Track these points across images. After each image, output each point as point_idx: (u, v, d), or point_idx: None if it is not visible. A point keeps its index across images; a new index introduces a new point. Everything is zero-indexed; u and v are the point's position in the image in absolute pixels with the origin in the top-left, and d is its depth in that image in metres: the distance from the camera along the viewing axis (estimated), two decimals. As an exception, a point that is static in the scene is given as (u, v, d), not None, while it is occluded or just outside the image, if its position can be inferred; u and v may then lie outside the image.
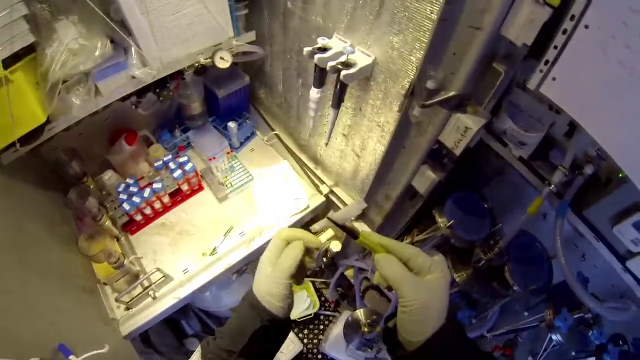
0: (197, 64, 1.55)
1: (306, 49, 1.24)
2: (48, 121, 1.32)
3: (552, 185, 1.07)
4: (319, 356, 2.65)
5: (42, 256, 1.38)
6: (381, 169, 1.46)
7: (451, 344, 0.76)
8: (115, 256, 1.51)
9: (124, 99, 1.50)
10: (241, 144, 2.14)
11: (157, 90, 1.63)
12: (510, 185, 1.41)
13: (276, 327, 0.88)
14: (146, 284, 1.63)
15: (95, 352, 1.13)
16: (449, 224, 1.44)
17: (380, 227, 1.76)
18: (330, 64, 1.18)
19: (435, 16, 0.93)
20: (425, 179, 1.35)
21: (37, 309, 1.18)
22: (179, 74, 1.60)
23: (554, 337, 1.27)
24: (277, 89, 1.92)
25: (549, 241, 1.25)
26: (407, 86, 1.13)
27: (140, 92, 1.54)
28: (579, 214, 1.13)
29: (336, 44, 1.26)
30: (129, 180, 1.77)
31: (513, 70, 0.98)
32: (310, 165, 1.96)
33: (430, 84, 1.04)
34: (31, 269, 1.26)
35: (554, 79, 0.81)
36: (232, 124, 1.98)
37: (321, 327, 2.77)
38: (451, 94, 1.05)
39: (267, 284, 0.87)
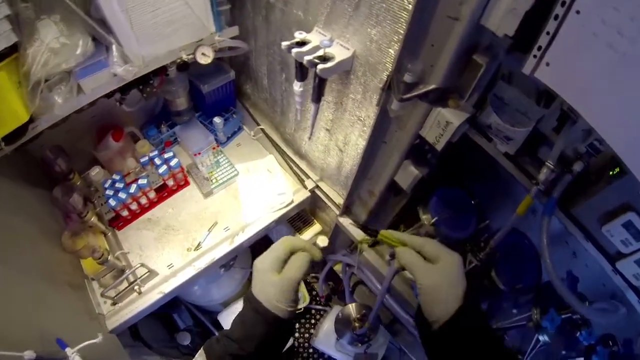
0: (179, 60, 1.55)
1: (284, 44, 1.24)
2: (32, 120, 1.32)
3: (540, 184, 1.04)
4: (310, 350, 2.67)
5: (28, 253, 1.40)
6: (363, 164, 1.45)
7: (472, 329, 0.82)
8: (100, 252, 1.52)
9: (108, 96, 1.50)
10: (228, 139, 2.14)
11: (141, 87, 1.63)
12: (499, 181, 1.40)
13: (281, 327, 0.92)
14: (132, 279, 1.64)
15: (89, 342, 1.14)
16: (432, 220, 1.45)
17: (365, 223, 1.77)
18: (307, 58, 1.18)
19: (411, 7, 0.91)
20: (408, 175, 1.34)
21: (23, 305, 1.20)
22: (162, 71, 1.60)
23: (540, 337, 1.24)
24: (262, 83, 1.92)
25: (538, 238, 1.23)
26: (385, 79, 1.11)
27: (124, 89, 1.53)
28: (567, 212, 1.11)
29: (315, 37, 1.25)
30: (115, 177, 1.79)
31: (495, 62, 0.94)
32: (295, 159, 1.97)
33: (407, 77, 1.01)
34: (17, 266, 1.28)
35: (547, 64, 0.78)
36: (217, 119, 1.99)
37: (312, 321, 2.80)
38: (430, 87, 1.02)
39: (276, 291, 0.90)
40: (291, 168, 2.00)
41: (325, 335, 2.37)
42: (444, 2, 0.88)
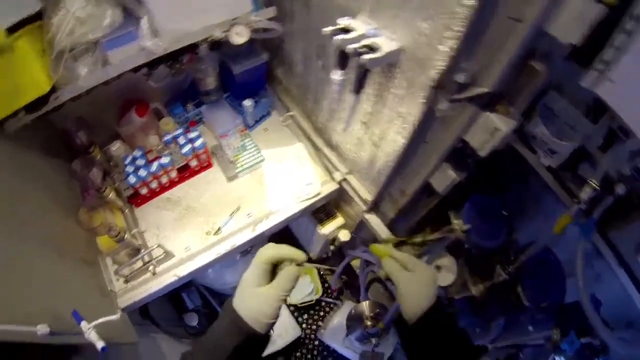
0: (211, 38, 1.47)
1: (326, 29, 1.17)
2: (54, 90, 1.27)
3: (582, 203, 0.99)
4: (316, 342, 2.62)
5: (44, 225, 1.36)
6: (399, 162, 1.38)
7: (440, 325, 1.01)
8: (116, 230, 1.49)
9: (135, 70, 1.44)
10: (255, 122, 2.07)
11: (170, 63, 1.57)
12: (533, 193, 1.33)
13: (256, 342, 0.94)
14: (147, 259, 1.60)
15: (107, 318, 1.14)
16: (465, 227, 1.40)
17: (392, 221, 1.71)
18: (352, 46, 1.09)
19: (473, 2, 0.83)
20: (445, 178, 1.28)
21: (36, 278, 1.16)
22: (193, 48, 1.53)
23: (557, 358, 1.22)
24: (295, 69, 1.84)
25: (565, 254, 1.20)
26: (435, 77, 1.03)
27: (152, 64, 1.47)
28: (602, 234, 1.06)
29: (359, 26, 1.16)
30: (137, 153, 1.73)
31: (553, 70, 0.89)
32: (326, 150, 1.88)
33: (460, 78, 0.95)
34: (33, 238, 1.24)
35: (611, 81, 0.73)
36: (247, 102, 1.91)
37: (321, 313, 2.74)
38: (483, 90, 0.96)
39: (259, 304, 0.92)
40: (320, 158, 1.93)
41: (334, 330, 2.35)
42: (506, 1, 0.81)
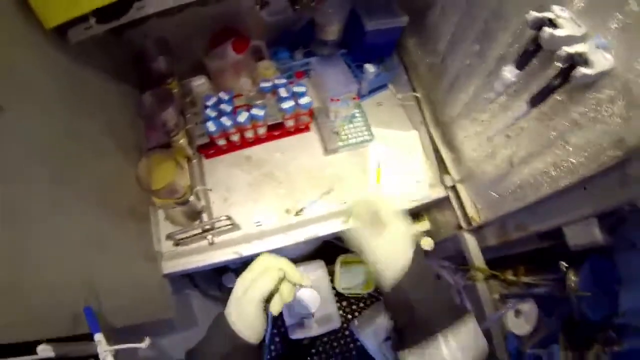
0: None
1: (533, 15, 0.89)
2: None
3: None
4: (346, 332, 2.62)
5: (93, 166, 1.10)
6: (540, 197, 1.12)
7: (418, 284, 0.92)
8: (181, 192, 1.24)
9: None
10: (370, 92, 1.75)
11: (298, -4, 1.28)
12: None
13: (248, 352, 0.88)
14: (208, 227, 1.36)
15: (130, 345, 0.93)
16: (581, 293, 1.21)
17: (487, 248, 1.49)
18: (567, 49, 0.82)
19: None
20: (586, 235, 1.06)
21: (67, 234, 0.92)
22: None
23: None
24: (436, 45, 1.51)
25: None
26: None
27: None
28: None
29: (568, 23, 0.87)
30: (224, 96, 1.44)
31: None
32: (443, 149, 1.58)
33: None
34: (74, 181, 0.99)
35: None
36: (370, 67, 1.60)
37: (361, 304, 2.72)
38: None
39: (237, 306, 0.88)
40: (433, 156, 1.62)
41: (372, 329, 2.18)
42: None
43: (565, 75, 0.85)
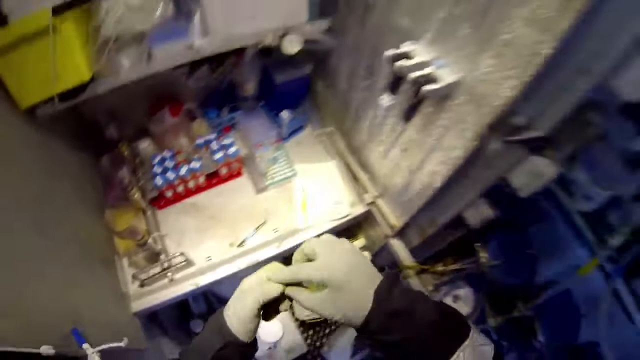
0: (261, 44, 1.41)
1: (388, 53, 1.12)
2: (92, 79, 1.21)
3: (612, 250, 1.05)
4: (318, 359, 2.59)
5: (65, 221, 1.29)
6: (435, 193, 1.34)
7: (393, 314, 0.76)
8: (141, 234, 1.44)
9: (175, 67, 1.38)
10: (289, 135, 2.00)
11: (214, 65, 1.52)
12: (558, 234, 1.35)
13: (240, 352, 0.88)
14: (166, 265, 1.54)
15: (113, 344, 1.06)
16: (492, 263, 1.39)
17: (415, 248, 1.67)
18: (414, 74, 1.05)
19: (546, 52, 0.78)
20: (480, 213, 1.26)
21: (52, 278, 1.10)
22: (241, 51, 1.47)
23: None
24: (338, 85, 1.78)
25: (581, 293, 1.25)
26: (491, 116, 0.98)
27: (194, 64, 1.43)
28: (625, 280, 1.10)
29: (421, 52, 1.12)
30: (167, 154, 1.67)
31: (607, 123, 0.93)
32: (358, 170, 1.83)
33: (519, 120, 0.95)
34: (52, 234, 1.17)
35: None
36: (285, 114, 1.84)
37: (327, 330, 2.66)
38: (536, 134, 0.95)
39: (237, 299, 0.90)
40: (351, 178, 1.86)
41: (340, 349, 2.33)
42: (579, 53, 0.80)
43: (416, 93, 1.08)
